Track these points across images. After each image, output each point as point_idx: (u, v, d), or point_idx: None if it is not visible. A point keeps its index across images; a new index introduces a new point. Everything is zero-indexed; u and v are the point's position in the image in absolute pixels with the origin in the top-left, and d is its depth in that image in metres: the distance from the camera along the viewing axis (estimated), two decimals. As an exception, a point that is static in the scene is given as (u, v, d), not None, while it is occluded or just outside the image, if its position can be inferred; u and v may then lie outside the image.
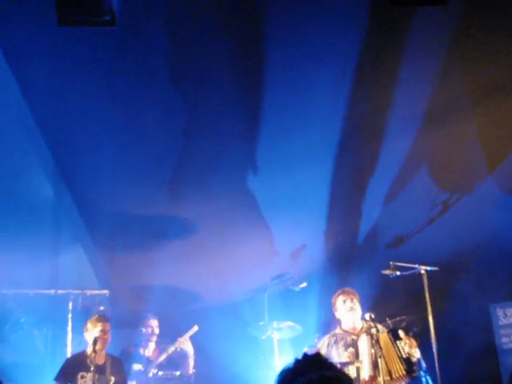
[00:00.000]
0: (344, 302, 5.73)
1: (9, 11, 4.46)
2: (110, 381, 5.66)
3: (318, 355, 2.13)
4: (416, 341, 5.63)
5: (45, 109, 5.42)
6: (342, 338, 5.63)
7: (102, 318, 5.87)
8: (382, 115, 5.82)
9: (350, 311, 5.69)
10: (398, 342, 5.36)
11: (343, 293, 5.79)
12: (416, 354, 5.46)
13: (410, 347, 5.38)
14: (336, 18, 5.00)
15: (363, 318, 5.61)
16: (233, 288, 7.34)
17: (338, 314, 5.81)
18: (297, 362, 2.11)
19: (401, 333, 5.44)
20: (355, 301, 5.73)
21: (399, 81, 5.66)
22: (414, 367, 5.33)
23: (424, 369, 6.16)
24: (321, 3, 4.88)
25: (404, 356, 5.27)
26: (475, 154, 6.86)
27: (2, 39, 4.75)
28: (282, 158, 6.24)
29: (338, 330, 5.77)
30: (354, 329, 5.67)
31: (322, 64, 5.29)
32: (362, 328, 5.58)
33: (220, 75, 5.34)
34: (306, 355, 2.16)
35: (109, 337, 5.81)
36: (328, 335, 5.75)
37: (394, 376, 5.27)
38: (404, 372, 5.23)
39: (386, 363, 5.22)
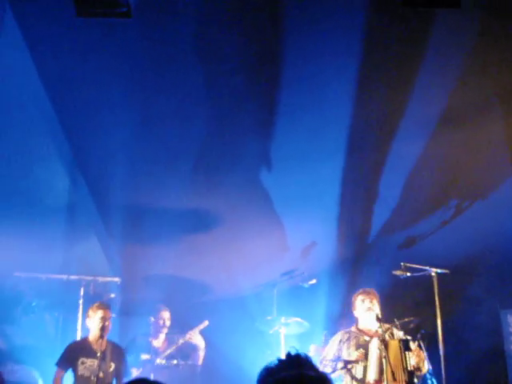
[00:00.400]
0: (363, 301, 5.75)
1: (29, 2, 4.56)
2: (109, 367, 5.73)
3: (300, 355, 2.20)
4: (424, 344, 5.63)
5: (63, 99, 5.53)
6: (356, 337, 5.67)
7: (103, 306, 5.91)
8: (396, 116, 5.82)
9: (367, 311, 5.71)
10: (406, 353, 5.37)
11: (363, 292, 5.82)
12: (423, 368, 5.46)
13: (417, 361, 5.38)
14: (350, 18, 5.03)
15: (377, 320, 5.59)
16: (242, 282, 7.39)
17: (356, 313, 5.84)
18: (279, 360, 2.20)
19: (412, 345, 5.43)
20: (374, 301, 5.74)
21: (416, 83, 5.66)
22: (416, 381, 5.35)
23: (430, 371, 6.17)
24: (337, 3, 4.91)
25: (409, 368, 5.29)
26: (491, 159, 6.83)
27: (24, 29, 4.86)
28: (295, 155, 6.28)
29: (353, 328, 5.80)
30: (370, 330, 5.69)
31: (336, 63, 5.32)
32: (377, 330, 5.58)
33: (237, 71, 5.39)
34: (289, 354, 2.23)
35: (109, 324, 5.85)
36: (342, 331, 5.79)
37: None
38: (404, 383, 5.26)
39: (392, 370, 5.24)
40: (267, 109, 5.83)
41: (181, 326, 6.75)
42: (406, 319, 6.75)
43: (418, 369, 5.42)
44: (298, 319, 6.72)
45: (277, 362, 2.19)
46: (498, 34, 5.66)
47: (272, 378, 2.14)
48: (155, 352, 6.53)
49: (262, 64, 5.45)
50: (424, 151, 6.35)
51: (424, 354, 5.52)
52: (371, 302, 5.71)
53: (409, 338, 5.58)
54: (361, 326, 5.79)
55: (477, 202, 7.24)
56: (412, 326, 6.68)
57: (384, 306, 6.39)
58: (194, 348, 6.64)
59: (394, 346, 5.44)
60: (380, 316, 5.60)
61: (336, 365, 5.49)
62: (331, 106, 5.70)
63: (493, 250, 7.61)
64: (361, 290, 5.85)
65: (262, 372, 2.20)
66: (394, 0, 4.86)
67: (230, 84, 5.47)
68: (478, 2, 5.30)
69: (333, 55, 5.25)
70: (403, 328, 5.90)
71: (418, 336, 5.66)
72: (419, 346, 5.54)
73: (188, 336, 6.55)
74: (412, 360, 5.37)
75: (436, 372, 6.27)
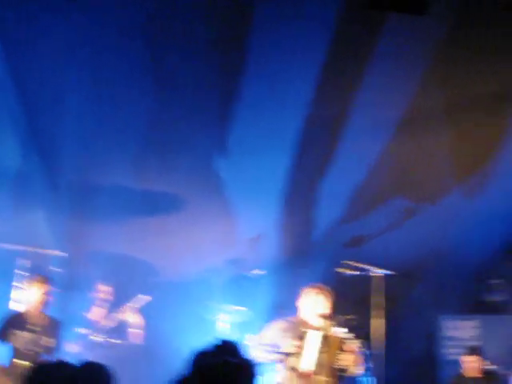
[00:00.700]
0: (309, 293, 5.77)
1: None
2: (46, 342, 5.64)
3: (227, 343, 2.23)
4: (362, 342, 5.70)
5: (20, 69, 5.40)
6: (295, 327, 5.69)
7: (40, 279, 5.79)
8: (353, 116, 5.88)
9: (312, 304, 5.73)
10: (341, 352, 5.44)
11: (312, 286, 5.85)
12: (354, 369, 5.53)
13: (349, 361, 5.45)
14: (319, 17, 5.06)
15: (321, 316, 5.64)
16: (188, 267, 7.38)
17: (299, 304, 5.86)
18: (209, 347, 2.25)
19: (349, 344, 5.50)
20: (321, 296, 5.76)
21: (376, 86, 5.72)
22: (343, 379, 5.45)
23: (368, 371, 6.28)
24: (306, 2, 4.93)
25: (340, 366, 5.38)
26: (444, 166, 6.95)
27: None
28: (252, 146, 6.31)
29: (294, 319, 5.82)
30: (310, 322, 5.72)
31: (300, 61, 5.36)
32: (319, 325, 5.62)
33: (199, 56, 5.35)
34: (219, 341, 2.26)
35: (47, 298, 5.75)
36: (283, 320, 5.80)
37: (327, 378, 5.38)
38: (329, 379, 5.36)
39: (324, 364, 5.31)
40: (229, 98, 5.82)
41: (122, 304, 6.70)
42: (348, 317, 6.85)
43: (347, 369, 5.49)
44: (241, 308, 6.73)
45: (207, 348, 2.27)
46: (463, 45, 5.77)
47: (199, 364, 2.19)
48: (92, 327, 6.48)
49: (227, 52, 5.43)
50: (378, 153, 6.43)
51: (359, 355, 5.59)
52: (317, 295, 5.74)
53: (348, 336, 5.63)
54: (302, 317, 5.81)
55: (425, 207, 7.37)
56: (353, 324, 6.78)
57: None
58: (128, 325, 6.60)
59: (331, 341, 5.49)
60: (324, 311, 5.65)
61: (271, 351, 5.51)
62: (291, 101, 5.74)
63: (436, 256, 7.78)
64: (310, 284, 5.89)
65: (192, 357, 2.25)
66: (363, 3, 4.89)
67: (191, 68, 5.43)
68: (446, 12, 5.37)
69: (297, 53, 5.29)
70: (344, 326, 5.97)
71: (357, 335, 5.74)
72: (358, 345, 5.61)
73: (125, 309, 6.51)
74: (345, 359, 5.44)
75: (376, 372, 6.41)
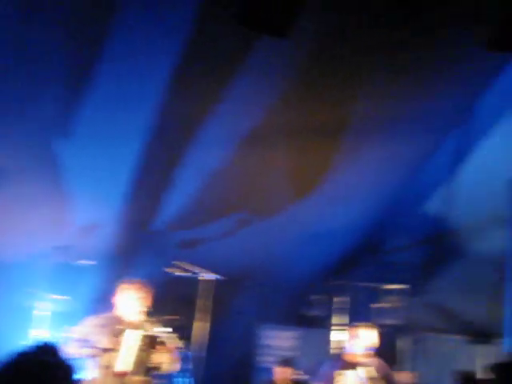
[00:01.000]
0: (125, 290, 5.68)
1: None
2: None
3: (46, 344, 2.25)
4: (184, 343, 5.74)
5: None
6: (111, 324, 5.57)
7: None
8: (203, 123, 5.95)
9: (128, 301, 5.65)
10: (157, 351, 5.43)
11: (127, 281, 5.75)
12: (167, 368, 5.56)
13: (164, 361, 5.47)
14: (181, 23, 5.08)
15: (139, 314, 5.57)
16: (10, 249, 6.94)
17: (115, 300, 5.75)
18: (27, 347, 2.23)
19: (167, 346, 5.50)
20: (138, 294, 5.68)
21: (228, 96, 5.83)
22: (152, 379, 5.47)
23: (183, 372, 6.33)
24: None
25: (152, 365, 5.40)
26: (282, 182, 7.25)
27: None
28: (98, 131, 6.10)
29: (110, 315, 5.70)
30: (126, 319, 5.63)
31: (159, 57, 5.34)
32: (137, 323, 5.55)
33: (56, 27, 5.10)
34: (37, 342, 2.29)
35: None
36: (99, 316, 5.66)
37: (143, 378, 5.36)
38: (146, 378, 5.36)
39: (138, 363, 5.29)
40: (79, 76, 5.59)
41: None
42: (171, 317, 6.87)
43: (160, 367, 5.50)
44: (64, 297, 6.51)
45: (25, 348, 2.23)
46: (317, 72, 6.05)
47: (15, 364, 2.15)
48: None
49: (85, 36, 5.24)
50: (223, 162, 6.56)
51: (176, 355, 5.62)
52: (129, 291, 5.67)
53: (170, 336, 5.64)
54: (118, 313, 5.71)
55: (261, 220, 7.64)
56: (177, 325, 6.81)
57: (154, 301, 6.42)
58: None
59: (148, 340, 5.47)
60: (142, 309, 5.60)
61: (85, 346, 5.36)
62: (143, 97, 5.67)
63: (265, 267, 8.08)
64: (126, 279, 5.81)
65: (8, 358, 2.18)
66: (229, 14, 4.94)
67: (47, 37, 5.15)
68: (305, 39, 5.58)
69: (156, 50, 5.26)
70: (167, 325, 5.97)
71: (181, 336, 5.77)
72: (178, 345, 5.64)
73: None
74: (160, 357, 5.44)
75: (196, 374, 6.49)
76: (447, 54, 5.84)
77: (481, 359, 7.25)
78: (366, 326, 6.15)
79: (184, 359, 6.36)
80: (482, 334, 8.13)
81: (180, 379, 6.71)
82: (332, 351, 7.71)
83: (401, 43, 5.64)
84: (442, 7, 5.22)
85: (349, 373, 5.91)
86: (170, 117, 5.91)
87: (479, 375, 5.76)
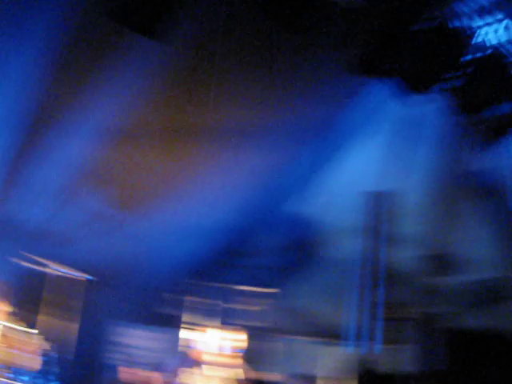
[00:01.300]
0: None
1: None
2: None
3: None
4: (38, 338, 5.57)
5: None
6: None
7: None
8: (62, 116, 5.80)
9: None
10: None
11: None
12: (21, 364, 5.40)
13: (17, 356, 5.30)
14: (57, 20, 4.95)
15: None
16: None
17: None
18: None
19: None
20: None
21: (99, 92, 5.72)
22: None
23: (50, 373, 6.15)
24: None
25: None
26: (149, 180, 7.20)
27: None
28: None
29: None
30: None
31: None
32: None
33: None
34: None
35: None
36: None
37: None
38: None
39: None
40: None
41: None
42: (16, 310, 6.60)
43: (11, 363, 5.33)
44: None
45: None
46: (191, 75, 6.09)
47: None
48: None
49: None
50: (87, 156, 6.41)
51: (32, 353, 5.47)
52: None
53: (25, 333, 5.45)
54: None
55: (131, 218, 7.53)
56: (22, 320, 6.56)
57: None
58: None
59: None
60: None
61: None
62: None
63: (125, 266, 7.95)
64: None
65: None
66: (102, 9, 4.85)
67: None
68: (180, 41, 5.59)
69: (24, 36, 5.08)
70: (24, 323, 5.76)
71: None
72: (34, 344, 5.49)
73: None
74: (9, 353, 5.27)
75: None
76: (313, 75, 6.13)
77: (324, 360, 7.61)
78: (216, 327, 6.30)
79: (47, 361, 6.20)
80: (329, 336, 8.52)
81: (41, 381, 6.43)
82: (181, 349, 7.76)
83: (271, 61, 5.84)
84: (311, 31, 5.47)
85: (197, 371, 6.03)
86: (31, 105, 5.68)
87: (320, 374, 6.07)
